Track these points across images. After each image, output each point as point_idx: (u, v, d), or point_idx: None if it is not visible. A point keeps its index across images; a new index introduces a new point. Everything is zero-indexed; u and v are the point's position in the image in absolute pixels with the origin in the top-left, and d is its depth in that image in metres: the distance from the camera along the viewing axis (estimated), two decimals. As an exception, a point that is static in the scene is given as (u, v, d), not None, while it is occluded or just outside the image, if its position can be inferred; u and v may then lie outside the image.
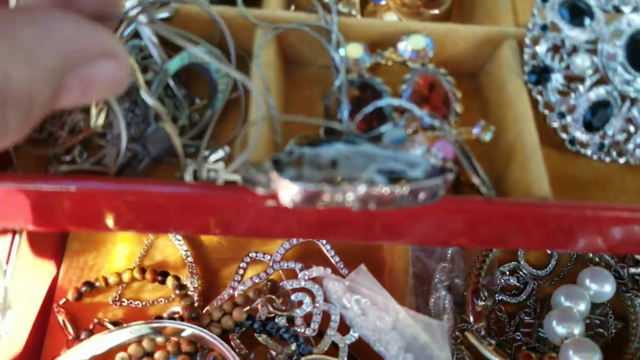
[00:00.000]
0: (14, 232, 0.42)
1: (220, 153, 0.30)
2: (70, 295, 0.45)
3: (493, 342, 0.41)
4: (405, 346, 0.37)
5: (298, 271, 0.42)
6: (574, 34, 0.31)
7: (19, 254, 0.42)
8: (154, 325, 0.39)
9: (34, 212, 0.26)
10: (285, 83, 0.35)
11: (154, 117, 0.30)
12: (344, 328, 0.40)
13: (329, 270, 0.41)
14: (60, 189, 0.25)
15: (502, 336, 0.45)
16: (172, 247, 0.47)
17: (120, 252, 0.47)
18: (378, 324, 0.38)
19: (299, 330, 0.39)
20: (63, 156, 0.30)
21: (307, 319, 0.40)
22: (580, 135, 0.32)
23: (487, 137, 0.31)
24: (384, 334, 0.37)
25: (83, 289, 0.45)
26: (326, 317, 0.40)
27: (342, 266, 0.42)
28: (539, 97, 0.32)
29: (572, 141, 0.32)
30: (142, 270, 0.44)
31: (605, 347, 0.45)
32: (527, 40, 0.32)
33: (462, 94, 0.34)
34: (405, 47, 0.33)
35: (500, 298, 0.47)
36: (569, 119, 0.32)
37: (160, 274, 0.43)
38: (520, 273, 0.48)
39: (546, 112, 0.32)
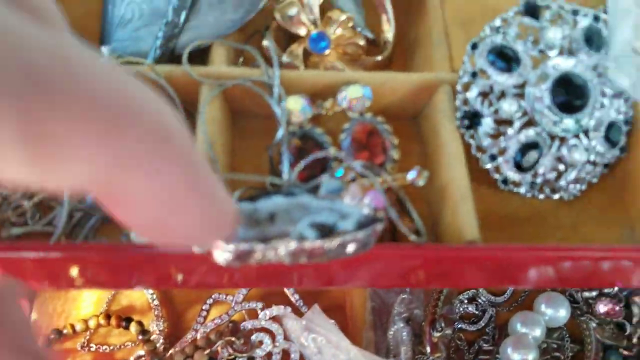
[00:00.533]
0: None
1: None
2: (40, 343, 0.46)
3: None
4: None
5: (259, 311, 0.43)
6: (502, 80, 0.33)
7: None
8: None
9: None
10: (232, 134, 0.36)
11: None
12: (304, 365, 0.41)
13: (289, 309, 0.42)
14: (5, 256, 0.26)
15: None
16: (139, 291, 0.48)
17: (87, 298, 0.48)
18: (335, 361, 0.39)
19: (259, 370, 0.40)
20: (16, 218, 0.31)
21: (268, 358, 0.41)
22: (513, 175, 0.34)
23: (421, 182, 0.32)
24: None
25: (52, 336, 0.46)
26: (286, 355, 0.41)
27: (301, 304, 0.43)
28: (471, 141, 0.34)
29: (505, 181, 0.34)
30: (108, 317, 0.45)
31: (562, 370, 0.47)
32: (459, 87, 0.34)
33: (404, 138, 0.35)
34: (344, 97, 0.34)
35: (459, 326, 0.48)
36: (500, 160, 0.34)
37: (125, 319, 0.44)
38: (479, 301, 0.50)
39: (479, 154, 0.34)
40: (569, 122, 0.33)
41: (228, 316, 0.43)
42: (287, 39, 0.37)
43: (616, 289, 0.47)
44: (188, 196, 0.14)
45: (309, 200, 0.28)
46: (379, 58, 0.39)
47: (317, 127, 0.34)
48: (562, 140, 0.34)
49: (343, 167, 0.32)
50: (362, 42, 0.38)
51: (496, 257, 0.29)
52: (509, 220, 0.34)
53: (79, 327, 0.45)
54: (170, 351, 0.42)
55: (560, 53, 0.33)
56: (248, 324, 0.42)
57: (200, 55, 0.36)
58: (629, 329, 0.47)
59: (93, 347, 0.46)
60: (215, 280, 0.30)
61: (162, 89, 0.33)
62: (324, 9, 0.38)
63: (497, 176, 0.34)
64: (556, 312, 0.47)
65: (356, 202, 0.28)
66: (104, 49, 0.34)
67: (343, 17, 0.37)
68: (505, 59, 0.33)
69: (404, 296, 0.47)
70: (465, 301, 0.49)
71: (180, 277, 0.29)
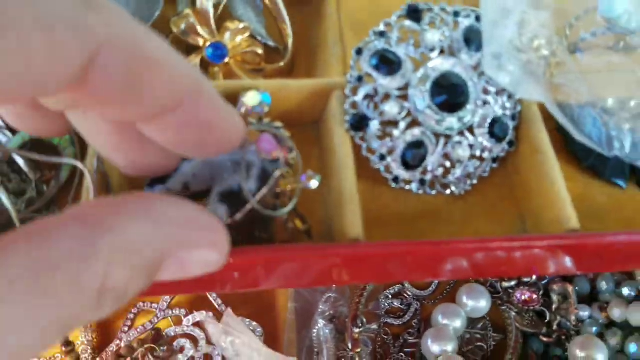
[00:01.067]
0: None
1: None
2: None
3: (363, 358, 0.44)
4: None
5: (183, 317, 0.44)
6: (385, 83, 0.34)
7: None
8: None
9: None
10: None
11: (-4, 192, 0.32)
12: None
13: (210, 314, 0.43)
14: None
15: (388, 357, 0.48)
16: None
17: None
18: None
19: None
20: None
21: (191, 363, 0.42)
22: (402, 173, 0.35)
23: (312, 185, 0.33)
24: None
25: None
26: (208, 359, 0.42)
27: (223, 309, 0.44)
28: (361, 143, 0.35)
29: (396, 180, 0.35)
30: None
31: (486, 359, 0.48)
32: (347, 91, 0.35)
33: (305, 143, 0.36)
34: (242, 103, 0.35)
35: (385, 321, 0.50)
36: (389, 160, 0.35)
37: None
38: (405, 295, 0.51)
39: (369, 155, 0.35)
40: (451, 120, 0.34)
41: (152, 324, 0.44)
42: (185, 50, 0.38)
43: (534, 277, 0.49)
44: None
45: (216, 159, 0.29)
46: (281, 64, 0.40)
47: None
48: (447, 137, 0.35)
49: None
50: (260, 51, 0.39)
51: (380, 254, 0.31)
52: (403, 218, 0.36)
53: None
54: (95, 360, 0.43)
55: (442, 54, 0.35)
56: (172, 331, 0.43)
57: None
58: (548, 317, 0.48)
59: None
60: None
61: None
62: (223, 19, 0.39)
63: (388, 175, 0.35)
64: (477, 303, 0.48)
65: (252, 149, 0.29)
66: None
67: (240, 26, 0.38)
68: (388, 62, 0.34)
69: (329, 295, 0.48)
70: (390, 296, 0.50)
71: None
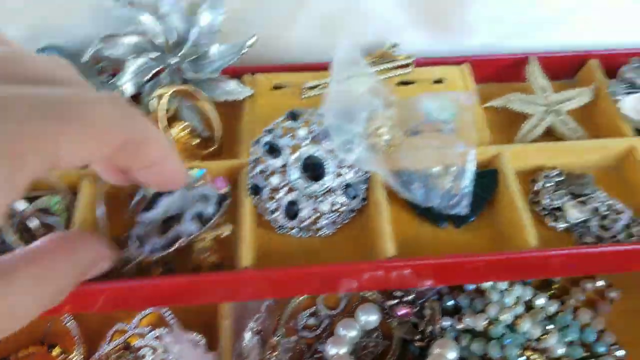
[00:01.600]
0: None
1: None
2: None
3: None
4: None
5: (146, 333, 0.61)
6: (272, 163, 0.52)
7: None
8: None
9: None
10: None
11: None
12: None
13: (166, 330, 0.60)
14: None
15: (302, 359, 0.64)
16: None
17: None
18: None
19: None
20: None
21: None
22: (286, 223, 0.52)
23: (225, 233, 0.51)
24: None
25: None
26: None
27: (177, 326, 0.61)
28: (257, 203, 0.52)
29: (281, 227, 0.53)
30: (41, 343, 0.62)
31: (375, 360, 0.64)
32: (249, 168, 0.53)
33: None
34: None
35: (302, 335, 0.66)
36: (276, 214, 0.52)
37: (50, 346, 0.61)
38: (319, 314, 0.68)
39: (263, 212, 0.52)
40: (315, 186, 0.52)
41: (124, 339, 0.61)
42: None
43: (412, 296, 0.65)
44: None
45: (183, 192, 0.47)
46: (213, 148, 0.58)
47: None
48: (316, 197, 0.52)
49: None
50: (195, 141, 0.57)
51: (264, 277, 0.48)
52: (288, 255, 0.52)
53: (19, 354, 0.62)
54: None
55: (313, 142, 0.53)
56: (138, 343, 0.60)
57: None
58: (422, 326, 0.64)
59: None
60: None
61: None
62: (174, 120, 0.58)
63: (275, 225, 0.53)
64: (369, 317, 0.64)
65: (210, 186, 0.47)
66: None
67: (182, 125, 0.57)
68: (274, 149, 0.52)
69: (258, 315, 0.65)
70: (307, 315, 0.67)
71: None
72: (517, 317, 0.62)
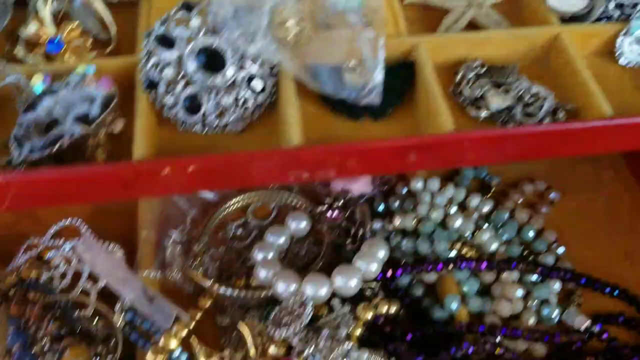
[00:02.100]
0: None
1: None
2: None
3: (200, 269, 0.58)
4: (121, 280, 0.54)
5: (60, 245, 0.58)
6: (165, 55, 0.48)
7: None
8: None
9: None
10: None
11: None
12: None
13: (81, 241, 0.58)
14: None
15: (231, 268, 0.62)
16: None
17: None
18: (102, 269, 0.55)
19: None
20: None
21: (63, 277, 0.57)
22: (187, 118, 0.49)
23: (117, 129, 0.47)
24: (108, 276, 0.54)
25: None
26: (78, 273, 0.57)
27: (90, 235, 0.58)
28: (153, 98, 0.49)
29: (184, 123, 0.50)
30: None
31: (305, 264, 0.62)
32: (141, 63, 0.49)
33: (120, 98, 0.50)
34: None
35: (231, 246, 0.64)
36: (175, 109, 0.49)
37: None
38: (248, 226, 0.65)
39: (161, 108, 0.49)
40: (218, 79, 0.48)
41: (37, 251, 0.59)
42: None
43: (342, 202, 0.63)
44: None
45: (66, 93, 0.44)
46: (107, 50, 0.55)
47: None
48: (218, 91, 0.49)
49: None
50: (89, 42, 0.53)
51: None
52: (192, 153, 0.49)
53: None
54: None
55: (212, 33, 0.49)
56: (52, 255, 0.58)
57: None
58: (353, 230, 0.62)
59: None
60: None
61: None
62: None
63: (177, 122, 0.49)
64: (298, 224, 0.62)
65: (95, 86, 0.44)
66: None
67: (72, 25, 0.53)
68: (167, 41, 0.48)
69: (182, 226, 0.63)
70: (235, 226, 0.65)
71: None
72: (447, 216, 0.60)
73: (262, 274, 0.58)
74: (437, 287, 0.61)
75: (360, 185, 0.64)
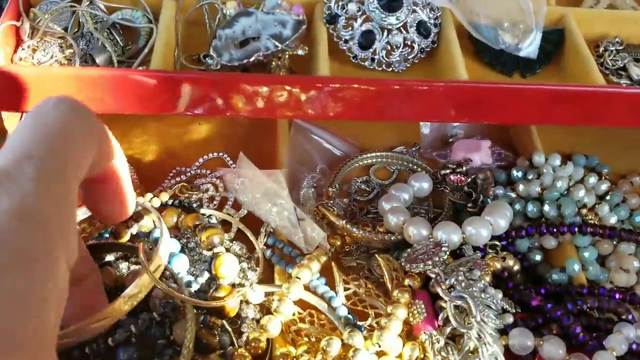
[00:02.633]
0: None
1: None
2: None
3: (335, 209, 0.61)
4: (270, 204, 0.56)
5: (208, 174, 0.62)
6: (349, -7, 0.53)
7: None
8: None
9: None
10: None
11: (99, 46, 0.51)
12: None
13: (228, 170, 0.61)
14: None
15: (354, 219, 0.65)
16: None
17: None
18: (255, 195, 0.57)
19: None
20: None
21: (211, 201, 0.60)
22: (359, 53, 0.54)
23: (300, 52, 0.52)
24: (255, 199, 0.57)
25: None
26: (225, 200, 0.60)
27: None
28: (333, 32, 0.54)
29: (355, 57, 0.54)
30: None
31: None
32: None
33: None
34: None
35: (355, 198, 0.67)
36: (350, 43, 0.53)
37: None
38: (370, 183, 0.69)
39: (338, 40, 0.54)
40: (391, 18, 0.53)
41: (186, 176, 0.62)
42: None
43: (465, 168, 0.66)
44: None
45: (262, 15, 0.48)
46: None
47: None
48: (389, 31, 0.54)
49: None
50: None
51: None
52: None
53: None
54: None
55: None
56: (199, 181, 0.61)
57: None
58: (474, 196, 0.65)
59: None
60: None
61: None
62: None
63: (350, 54, 0.54)
64: (421, 185, 0.65)
65: (287, 13, 0.48)
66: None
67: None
68: (351, -19, 0.54)
69: (313, 174, 0.66)
70: (359, 181, 0.68)
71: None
72: (570, 187, 0.63)
73: (392, 220, 0.60)
74: (554, 254, 0.63)
75: (482, 155, 0.68)
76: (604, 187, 0.65)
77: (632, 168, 0.73)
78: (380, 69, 0.54)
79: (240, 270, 0.54)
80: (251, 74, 0.49)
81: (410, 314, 0.52)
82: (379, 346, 0.49)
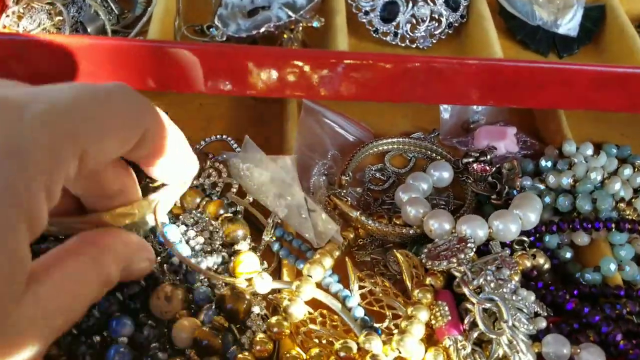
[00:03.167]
0: None
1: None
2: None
3: (348, 199, 0.56)
4: (278, 193, 0.51)
5: (210, 157, 0.57)
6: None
7: None
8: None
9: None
10: None
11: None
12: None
13: (232, 153, 0.56)
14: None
15: (368, 210, 0.60)
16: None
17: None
18: (262, 182, 0.52)
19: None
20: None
21: (213, 187, 0.55)
22: (381, 26, 0.48)
23: (316, 24, 0.47)
24: (262, 186, 0.51)
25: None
26: (228, 186, 0.55)
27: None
28: (352, 3, 0.48)
29: (376, 31, 0.49)
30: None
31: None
32: (344, -33, 0.49)
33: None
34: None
35: (369, 187, 0.62)
36: (371, 15, 0.48)
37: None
38: (386, 171, 0.64)
39: (357, 12, 0.48)
40: (417, -12, 0.48)
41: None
42: None
43: (489, 156, 0.61)
44: None
45: None
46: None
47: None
48: (415, 2, 0.48)
49: None
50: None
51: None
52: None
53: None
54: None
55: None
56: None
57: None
58: (499, 187, 0.60)
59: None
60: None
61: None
62: None
63: (370, 28, 0.48)
64: (442, 174, 0.60)
65: None
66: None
67: None
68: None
69: (324, 161, 0.61)
70: (374, 169, 0.63)
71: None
72: (605, 179, 0.58)
73: (411, 212, 0.55)
74: (585, 251, 0.58)
75: (507, 143, 0.63)
76: (639, 180, 0.60)
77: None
78: (403, 44, 0.49)
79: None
80: (260, 47, 0.44)
81: (433, 317, 0.47)
82: (399, 352, 0.44)
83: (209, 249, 0.47)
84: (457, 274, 0.49)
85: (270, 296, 0.48)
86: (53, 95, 0.26)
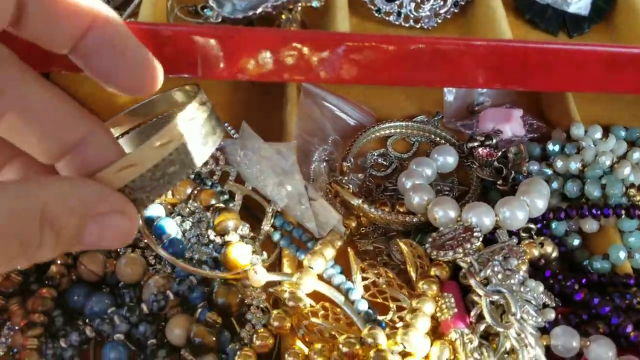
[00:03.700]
0: None
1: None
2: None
3: (349, 186, 0.54)
4: (278, 181, 0.49)
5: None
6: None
7: None
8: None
9: None
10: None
11: None
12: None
13: (230, 140, 0.54)
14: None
15: (370, 197, 0.58)
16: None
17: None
18: (258, 167, 0.50)
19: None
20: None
21: (211, 175, 0.53)
22: (383, 6, 0.46)
23: (315, 4, 0.44)
24: (261, 174, 0.49)
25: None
26: (226, 174, 0.53)
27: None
28: (352, -19, 0.46)
29: (378, 11, 0.46)
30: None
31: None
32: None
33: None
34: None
35: (370, 173, 0.60)
36: (374, -7, 0.46)
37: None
38: (388, 156, 0.62)
39: (358, -9, 0.46)
40: (422, -35, 0.45)
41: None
42: None
43: (495, 140, 0.59)
44: None
45: None
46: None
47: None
48: (419, -20, 0.46)
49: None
50: None
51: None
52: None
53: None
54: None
55: None
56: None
57: None
58: (505, 172, 0.58)
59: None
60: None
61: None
62: None
63: (372, 7, 0.46)
64: (446, 159, 0.58)
65: None
66: None
67: None
68: None
69: (324, 146, 0.59)
70: (376, 154, 0.61)
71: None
72: (614, 163, 0.56)
73: (415, 199, 0.53)
74: (594, 238, 0.56)
75: (513, 126, 0.60)
76: (650, 164, 0.58)
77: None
78: (407, 24, 0.47)
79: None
80: (257, 29, 0.42)
81: (438, 309, 0.46)
82: (404, 346, 0.43)
83: (205, 241, 0.45)
84: (463, 264, 0.47)
85: (270, 289, 0.46)
86: None
